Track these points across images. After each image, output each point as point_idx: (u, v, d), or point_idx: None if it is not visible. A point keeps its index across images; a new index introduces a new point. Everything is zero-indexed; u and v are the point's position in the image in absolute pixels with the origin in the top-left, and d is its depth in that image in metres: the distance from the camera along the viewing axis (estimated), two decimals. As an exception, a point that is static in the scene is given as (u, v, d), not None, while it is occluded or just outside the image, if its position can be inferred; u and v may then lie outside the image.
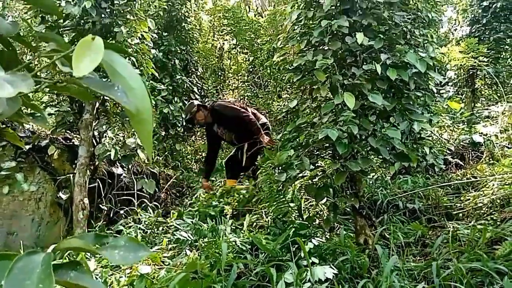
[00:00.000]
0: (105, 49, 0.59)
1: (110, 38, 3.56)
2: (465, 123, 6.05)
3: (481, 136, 5.27)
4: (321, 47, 3.00)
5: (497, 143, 5.19)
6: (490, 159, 4.83)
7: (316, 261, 2.15)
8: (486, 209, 3.32)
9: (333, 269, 2.02)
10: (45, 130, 4.46)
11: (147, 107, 0.58)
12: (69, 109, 3.73)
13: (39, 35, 0.90)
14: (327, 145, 2.97)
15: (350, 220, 3.42)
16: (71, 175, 3.66)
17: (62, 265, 0.65)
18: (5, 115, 0.64)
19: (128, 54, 0.74)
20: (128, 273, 2.52)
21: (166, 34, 6.66)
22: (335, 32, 2.80)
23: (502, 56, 7.73)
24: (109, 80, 0.63)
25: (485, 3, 7.43)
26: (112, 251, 0.59)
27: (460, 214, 3.42)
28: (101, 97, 3.72)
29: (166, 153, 6.47)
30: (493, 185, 3.62)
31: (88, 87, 0.60)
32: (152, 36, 4.04)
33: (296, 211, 3.34)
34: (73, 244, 0.58)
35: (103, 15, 3.46)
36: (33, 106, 1.01)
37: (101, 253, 0.59)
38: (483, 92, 7.56)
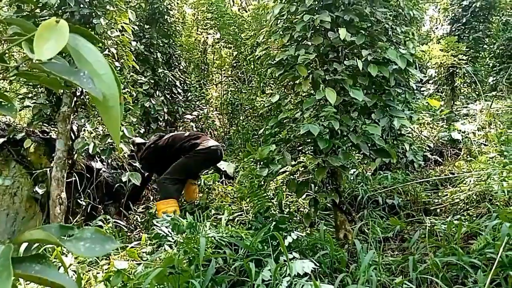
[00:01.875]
0: (70, 33, 0.57)
1: (90, 29, 3.47)
2: (445, 121, 6.16)
3: (459, 133, 5.37)
4: (303, 42, 3.00)
5: (474, 141, 5.31)
6: (468, 156, 4.93)
7: (297, 256, 2.15)
8: (463, 205, 3.39)
9: (313, 263, 2.02)
10: (21, 123, 4.34)
11: (114, 94, 0.56)
12: (46, 101, 3.63)
13: (7, 20, 0.86)
14: (309, 140, 2.97)
15: (331, 216, 3.45)
16: (48, 169, 3.57)
17: (25, 259, 0.63)
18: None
19: (95, 40, 0.70)
20: (106, 269, 2.48)
21: (148, 26, 6.54)
22: (317, 27, 2.80)
23: (480, 55, 7.91)
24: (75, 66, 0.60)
25: (465, 2, 7.57)
26: (77, 243, 0.57)
27: (438, 210, 3.48)
28: (80, 89, 3.63)
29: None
30: (470, 181, 3.70)
31: (53, 73, 0.57)
32: (133, 28, 3.95)
33: (277, 207, 3.34)
34: (35, 236, 0.56)
35: (81, 5, 3.36)
36: (1, 95, 0.97)
37: (65, 245, 0.56)
38: (462, 90, 7.72)
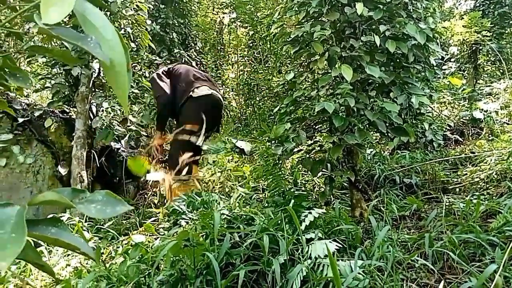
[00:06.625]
0: (77, -2, 0.57)
1: (105, 9, 3.48)
2: (466, 100, 6.00)
3: (481, 112, 5.23)
4: (319, 18, 2.94)
5: (497, 120, 5.17)
6: (490, 135, 4.81)
7: (313, 235, 2.15)
8: (483, 184, 3.33)
9: (336, 242, 2.02)
10: (42, 104, 4.44)
11: (121, 59, 0.57)
12: (65, 82, 3.69)
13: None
14: (324, 118, 2.95)
15: (347, 195, 3.44)
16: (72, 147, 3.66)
17: (41, 221, 0.65)
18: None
19: (102, 5, 0.70)
20: (125, 244, 2.56)
21: (163, 6, 6.53)
22: (333, 2, 2.74)
23: (506, 31, 7.60)
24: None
25: (491, -24, 7.26)
26: (88, 205, 0.59)
27: (457, 189, 3.43)
28: (97, 70, 3.68)
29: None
30: (491, 160, 3.62)
31: (60, 37, 0.57)
32: (149, 7, 3.95)
33: (292, 185, 3.35)
34: (47, 198, 0.58)
35: (97, -15, 3.38)
36: (17, 69, 0.99)
37: (77, 207, 0.58)
38: (485, 69, 7.47)
